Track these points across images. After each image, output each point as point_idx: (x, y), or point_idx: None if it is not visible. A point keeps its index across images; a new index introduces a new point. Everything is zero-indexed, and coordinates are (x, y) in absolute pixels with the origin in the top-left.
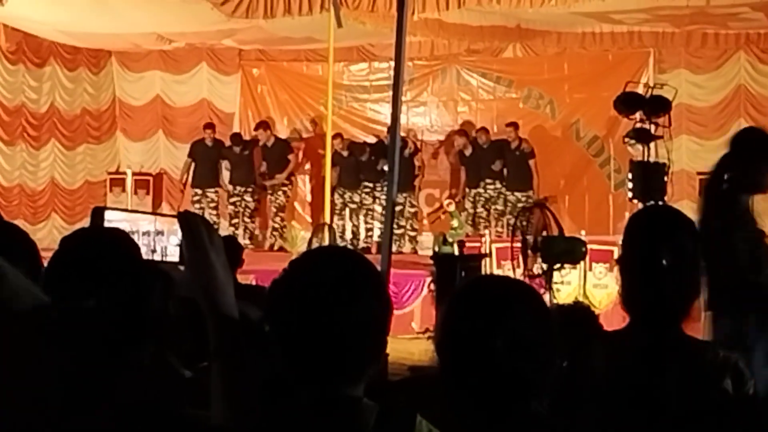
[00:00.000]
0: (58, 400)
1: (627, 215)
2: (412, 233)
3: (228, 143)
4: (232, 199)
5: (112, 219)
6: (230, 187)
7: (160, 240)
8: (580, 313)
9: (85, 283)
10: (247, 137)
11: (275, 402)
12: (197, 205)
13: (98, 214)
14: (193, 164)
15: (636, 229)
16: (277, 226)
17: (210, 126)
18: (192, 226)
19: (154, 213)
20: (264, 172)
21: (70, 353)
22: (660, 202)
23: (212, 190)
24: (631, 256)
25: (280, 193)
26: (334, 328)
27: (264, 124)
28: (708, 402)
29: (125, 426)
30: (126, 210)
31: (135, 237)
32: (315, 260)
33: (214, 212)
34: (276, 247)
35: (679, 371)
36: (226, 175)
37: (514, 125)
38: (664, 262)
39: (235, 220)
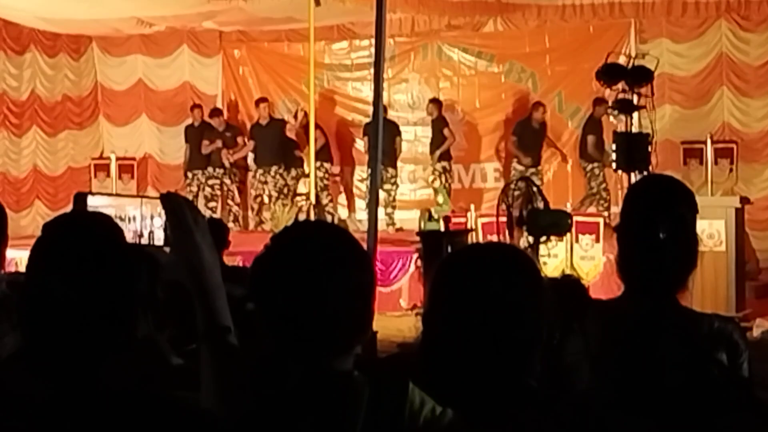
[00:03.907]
0: (45, 388)
1: (612, 186)
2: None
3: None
4: (210, 181)
5: (96, 204)
6: (210, 169)
7: (147, 224)
8: (570, 285)
9: (68, 269)
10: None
11: (266, 382)
12: (188, 188)
13: (80, 199)
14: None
15: (635, 198)
16: (256, 206)
17: (197, 107)
18: (175, 207)
19: (136, 195)
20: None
21: (57, 341)
22: (645, 172)
23: (200, 172)
24: (628, 225)
25: (272, 173)
26: (319, 298)
27: (264, 101)
28: (702, 373)
29: (113, 412)
30: (109, 194)
31: (121, 222)
32: (296, 233)
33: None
34: (261, 228)
35: (674, 341)
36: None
37: (540, 105)
38: (661, 235)
39: (212, 203)
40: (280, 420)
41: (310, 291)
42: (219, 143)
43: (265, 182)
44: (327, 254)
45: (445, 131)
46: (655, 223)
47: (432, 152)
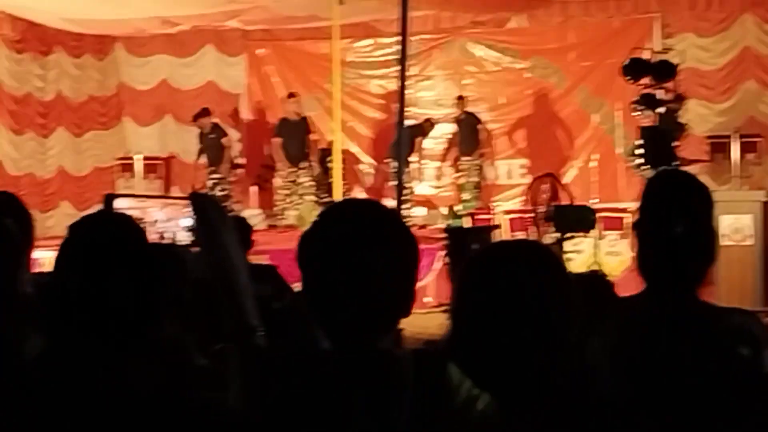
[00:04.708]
0: (69, 388)
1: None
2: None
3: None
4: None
5: (121, 207)
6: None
7: (170, 226)
8: (596, 281)
9: (93, 270)
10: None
11: (308, 369)
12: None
13: (110, 200)
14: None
15: (650, 195)
16: (287, 204)
17: (204, 113)
18: (204, 207)
19: (163, 196)
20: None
21: (81, 340)
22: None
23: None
24: (645, 222)
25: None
26: (365, 274)
27: (293, 95)
28: (724, 369)
29: (141, 412)
30: (135, 196)
31: (144, 224)
32: (342, 210)
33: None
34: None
35: (693, 337)
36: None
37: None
38: (678, 229)
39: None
40: (328, 400)
41: (357, 266)
42: (204, 158)
43: (294, 181)
44: (373, 230)
45: (479, 126)
46: (670, 218)
47: (462, 151)
